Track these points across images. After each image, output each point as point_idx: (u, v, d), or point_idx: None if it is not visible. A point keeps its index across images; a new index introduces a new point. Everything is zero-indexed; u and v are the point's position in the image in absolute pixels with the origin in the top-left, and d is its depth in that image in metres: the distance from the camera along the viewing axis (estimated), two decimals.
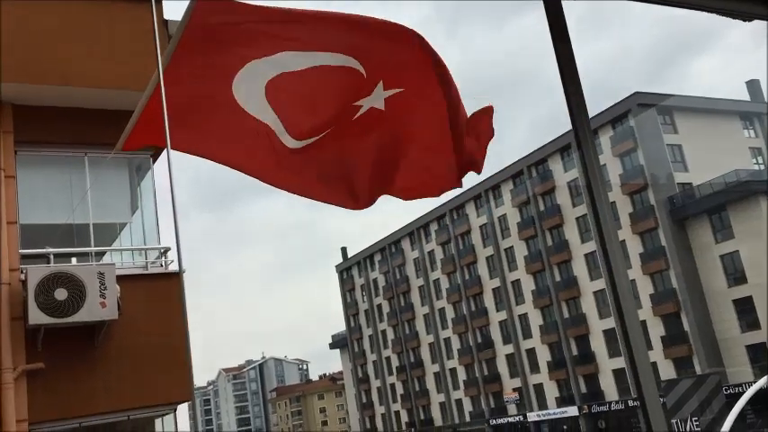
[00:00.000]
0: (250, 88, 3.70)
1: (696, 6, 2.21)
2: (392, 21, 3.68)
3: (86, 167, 8.98)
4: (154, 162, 9.56)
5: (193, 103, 3.77)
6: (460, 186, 4.04)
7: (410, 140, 3.99)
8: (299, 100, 3.83)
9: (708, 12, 2.31)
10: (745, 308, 46.51)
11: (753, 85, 58.79)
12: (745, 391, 17.48)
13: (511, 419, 62.68)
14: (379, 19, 3.66)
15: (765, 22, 2.47)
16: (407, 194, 4.25)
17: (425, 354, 74.08)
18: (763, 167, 54.60)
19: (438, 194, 4.26)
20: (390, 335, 79.50)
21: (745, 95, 58.62)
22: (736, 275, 47.24)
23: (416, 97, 3.85)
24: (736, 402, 16.20)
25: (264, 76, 3.69)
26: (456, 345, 69.86)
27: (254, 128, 3.79)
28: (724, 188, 48.18)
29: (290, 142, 3.83)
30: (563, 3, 1.77)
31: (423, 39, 3.69)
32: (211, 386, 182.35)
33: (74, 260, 9.60)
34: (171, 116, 3.73)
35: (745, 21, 2.47)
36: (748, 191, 47.09)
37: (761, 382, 17.97)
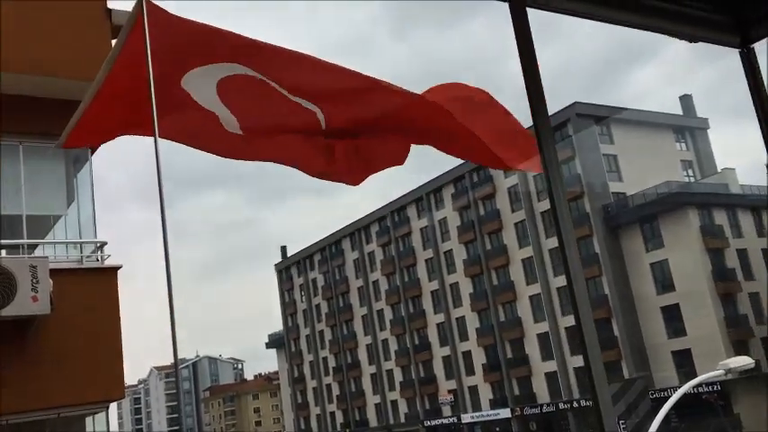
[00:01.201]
0: (202, 83, 3.70)
1: (650, 28, 2.27)
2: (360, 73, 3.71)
3: (21, 157, 8.66)
4: (92, 154, 9.29)
5: (141, 88, 3.70)
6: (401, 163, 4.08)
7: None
8: (251, 100, 3.81)
9: (659, 33, 2.37)
10: (672, 315, 48.11)
11: (686, 100, 60.95)
12: (670, 396, 18.09)
13: (445, 421, 63.27)
14: (348, 69, 3.70)
15: (708, 43, 2.55)
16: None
17: (363, 355, 74.13)
18: (693, 180, 56.64)
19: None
20: (328, 335, 79.27)
21: (678, 110, 60.72)
22: (665, 283, 48.84)
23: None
24: (661, 406, 16.76)
25: (216, 76, 3.70)
26: (393, 346, 70.16)
27: (204, 115, 3.79)
28: (656, 199, 49.77)
29: (238, 130, 3.85)
30: (527, 9, 1.81)
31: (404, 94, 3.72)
32: (142, 385, 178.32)
33: (3, 252, 9.26)
34: (119, 102, 3.67)
35: (690, 42, 2.53)
36: (678, 202, 48.77)
37: (685, 387, 18.64)
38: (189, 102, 3.75)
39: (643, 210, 49.77)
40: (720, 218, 49.40)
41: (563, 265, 1.79)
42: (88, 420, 9.35)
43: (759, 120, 1.98)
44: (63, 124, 4.07)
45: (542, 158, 1.83)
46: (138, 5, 3.53)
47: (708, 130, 60.96)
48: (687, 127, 59.76)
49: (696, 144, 59.48)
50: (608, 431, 1.74)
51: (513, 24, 1.81)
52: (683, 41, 2.50)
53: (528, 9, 1.82)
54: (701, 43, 2.48)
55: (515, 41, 1.79)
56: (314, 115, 3.72)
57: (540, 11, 1.88)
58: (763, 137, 1.96)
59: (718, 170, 55.23)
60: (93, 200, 9.34)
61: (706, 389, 41.59)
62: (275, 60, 3.64)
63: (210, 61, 3.65)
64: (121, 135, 3.97)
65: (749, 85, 2.03)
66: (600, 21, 2.14)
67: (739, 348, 42.78)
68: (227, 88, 3.71)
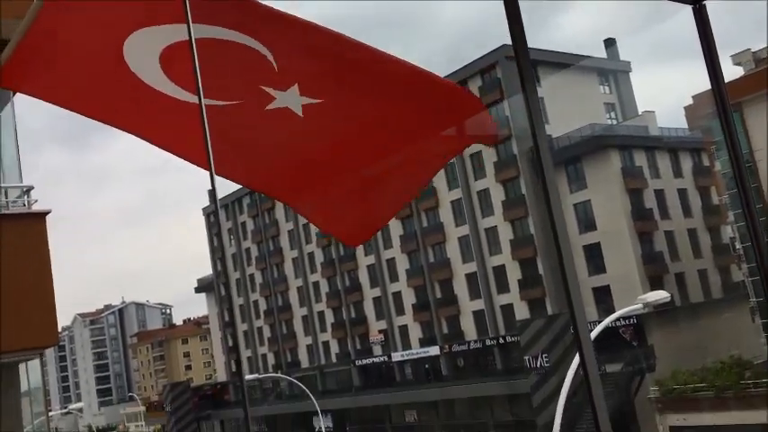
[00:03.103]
0: (144, 55, 3.35)
1: None
2: (316, 23, 3.34)
3: None
4: (14, 94, 8.86)
5: (71, 52, 3.36)
6: (385, 225, 3.80)
7: (331, 167, 3.69)
8: (200, 67, 3.31)
9: None
10: (593, 253, 50.06)
11: (610, 43, 62.20)
12: (591, 330, 19.01)
13: (376, 360, 64.71)
14: (301, 19, 3.33)
15: None
16: (319, 223, 4.08)
17: (294, 297, 74.53)
18: (615, 122, 58.29)
19: (351, 242, 4.08)
20: (259, 279, 79.19)
21: (602, 53, 61.97)
22: (587, 223, 50.61)
23: (338, 112, 3.53)
24: None
25: (159, 44, 3.33)
26: (324, 288, 70.75)
27: (149, 94, 3.42)
28: (579, 141, 51.10)
29: (187, 97, 3.41)
30: None
31: (357, 49, 3.36)
32: (66, 332, 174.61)
33: None
34: (38, 56, 3.33)
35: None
36: (601, 144, 50.25)
37: (606, 321, 19.63)
38: (129, 75, 3.35)
39: (567, 152, 51.03)
40: (640, 159, 51.21)
41: (547, 211, 1.85)
42: (21, 367, 9.18)
43: (710, 75, 2.07)
44: None
45: (525, 99, 1.88)
46: None
47: (630, 74, 62.63)
48: (611, 70, 61.17)
49: (619, 87, 61.04)
50: (592, 377, 1.84)
51: None
52: None
53: None
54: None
55: None
56: (266, 60, 3.34)
57: None
58: (713, 92, 2.06)
59: (639, 113, 56.96)
60: (16, 142, 8.97)
61: (623, 322, 43.78)
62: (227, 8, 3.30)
63: (155, 22, 3.28)
64: (64, 106, 3.51)
65: (701, 42, 2.11)
66: None
67: (655, 284, 45.05)
68: (173, 58, 3.33)
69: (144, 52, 3.35)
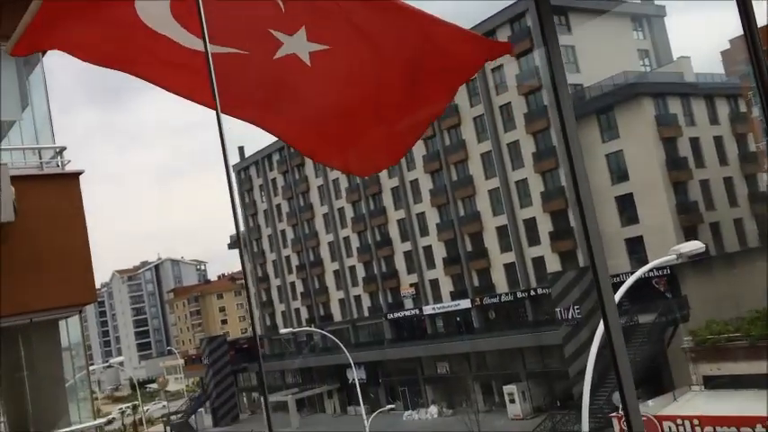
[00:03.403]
0: (155, 4, 3.36)
1: None
2: None
3: None
4: (43, 55, 8.91)
5: (86, 6, 3.34)
6: (395, 164, 3.80)
7: (340, 111, 3.68)
8: (209, 12, 3.30)
9: None
10: (625, 204, 49.49)
11: None
12: (624, 281, 18.91)
13: (407, 313, 65.30)
14: None
15: None
16: (333, 163, 4.04)
17: (325, 252, 75.15)
18: (649, 69, 56.90)
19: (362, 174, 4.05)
20: (290, 234, 79.89)
21: None
22: (620, 174, 49.91)
23: (344, 60, 3.48)
24: (615, 291, 17.54)
25: None
26: (355, 243, 71.17)
27: (162, 42, 3.42)
28: (612, 90, 50.04)
29: (198, 44, 3.37)
30: None
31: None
32: (105, 288, 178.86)
33: None
34: (56, 15, 3.33)
35: None
36: (634, 92, 49.15)
37: (639, 273, 19.45)
38: (140, 26, 3.36)
39: (599, 101, 50.09)
40: (675, 107, 50.08)
41: (568, 165, 1.81)
42: (61, 324, 9.43)
43: (741, 18, 1.97)
44: (9, 23, 3.79)
45: (546, 52, 1.82)
46: None
47: (664, 19, 60.86)
48: (645, 15, 59.50)
49: (653, 33, 59.42)
50: (614, 335, 1.81)
51: None
52: None
53: None
54: None
55: None
56: (274, 2, 3.34)
57: None
58: (745, 36, 1.97)
59: (674, 59, 55.48)
60: (47, 103, 9.05)
61: (656, 273, 43.45)
62: None
63: None
64: (94, 62, 3.50)
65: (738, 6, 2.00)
66: None
67: (689, 234, 44.49)
68: (181, 5, 3.29)
69: (155, 2, 3.36)
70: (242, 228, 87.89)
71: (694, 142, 49.91)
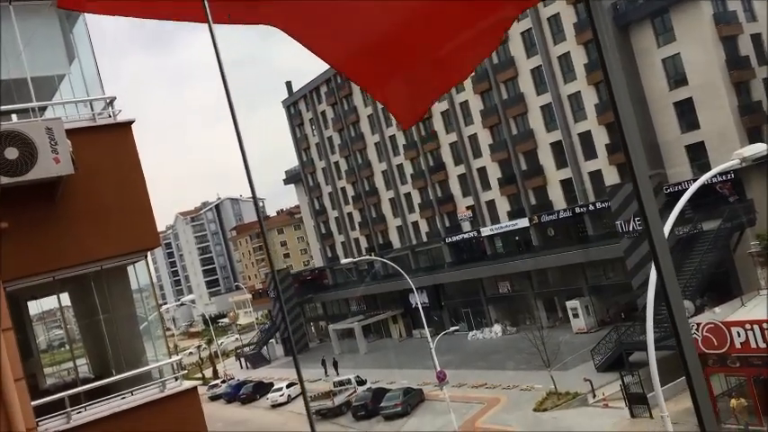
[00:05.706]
0: None
1: None
2: None
3: (13, 18, 8.41)
4: None
5: None
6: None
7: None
8: None
9: None
10: (684, 109, 47.80)
11: None
12: (686, 189, 18.44)
13: (465, 236, 65.47)
14: None
15: None
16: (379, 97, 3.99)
17: (379, 181, 75.40)
18: None
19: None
20: (343, 166, 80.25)
21: None
22: (677, 78, 48.04)
23: None
24: (677, 200, 17.16)
25: None
26: (409, 170, 71.10)
27: None
28: None
29: None
30: None
31: None
32: (170, 230, 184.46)
33: (14, 117, 9.28)
34: None
35: None
36: None
37: (701, 180, 18.95)
38: None
39: (653, 4, 47.86)
40: (734, 3, 47.50)
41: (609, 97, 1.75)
42: (130, 269, 9.82)
43: None
44: None
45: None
46: None
47: None
48: None
49: None
50: (668, 280, 1.76)
51: None
52: None
53: None
54: None
55: None
56: None
57: None
58: None
59: None
60: (93, 54, 9.17)
61: (720, 178, 42.24)
62: None
63: None
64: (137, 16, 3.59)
65: None
66: None
67: (753, 136, 42.86)
68: None
69: None
70: (296, 162, 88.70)
71: (756, 39, 47.43)
